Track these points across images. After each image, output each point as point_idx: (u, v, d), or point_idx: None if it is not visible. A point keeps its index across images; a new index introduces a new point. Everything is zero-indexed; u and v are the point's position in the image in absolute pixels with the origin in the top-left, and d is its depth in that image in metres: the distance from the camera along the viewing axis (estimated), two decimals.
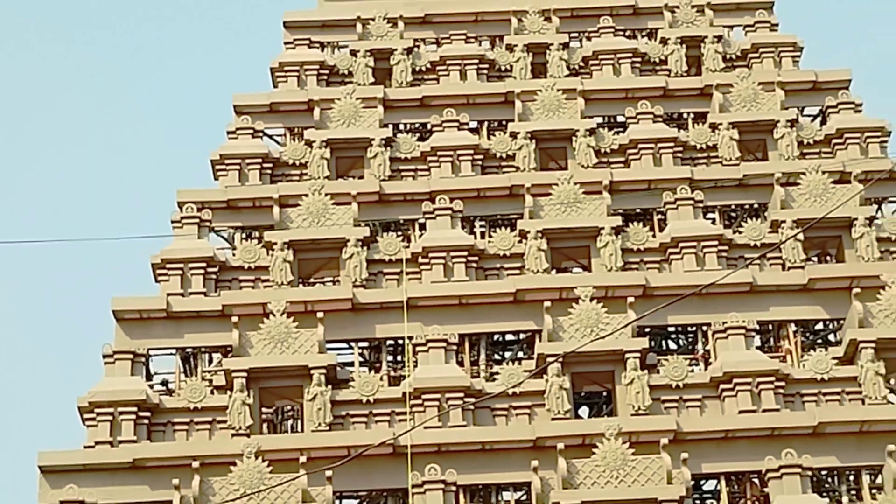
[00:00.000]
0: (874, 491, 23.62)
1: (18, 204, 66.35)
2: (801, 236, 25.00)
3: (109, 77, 73.78)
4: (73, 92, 73.64)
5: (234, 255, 26.32)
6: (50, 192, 66.82)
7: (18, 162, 73.30)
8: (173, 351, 25.74)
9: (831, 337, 26.65)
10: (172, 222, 26.47)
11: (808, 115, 29.02)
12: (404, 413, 23.87)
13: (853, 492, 24.67)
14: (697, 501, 25.83)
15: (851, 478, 24.40)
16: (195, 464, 22.65)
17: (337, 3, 30.09)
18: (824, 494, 24.22)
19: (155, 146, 71.28)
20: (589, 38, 29.97)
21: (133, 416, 23.94)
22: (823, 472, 24.46)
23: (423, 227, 26.65)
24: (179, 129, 70.57)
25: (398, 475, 22.98)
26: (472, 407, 23.74)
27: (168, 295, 25.14)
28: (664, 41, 29.73)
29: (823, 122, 28.44)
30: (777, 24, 30.17)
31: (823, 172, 26.31)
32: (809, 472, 22.97)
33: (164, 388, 26.26)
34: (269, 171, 27.74)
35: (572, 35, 30.41)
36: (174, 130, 70.57)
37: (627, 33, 30.38)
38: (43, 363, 67.35)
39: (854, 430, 23.49)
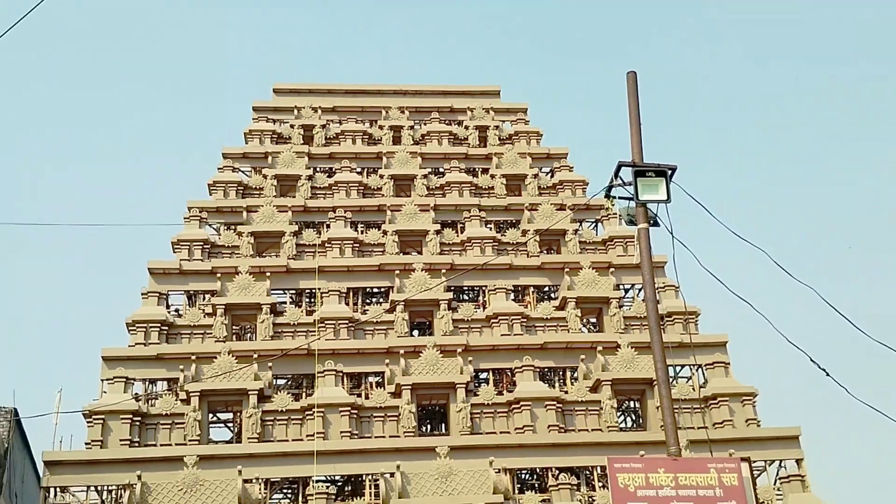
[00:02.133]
0: None
1: None
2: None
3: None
4: None
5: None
6: None
7: None
8: None
9: None
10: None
11: (546, 171, 36.14)
12: None
13: None
14: None
15: None
16: None
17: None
18: None
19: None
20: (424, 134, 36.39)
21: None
22: None
23: None
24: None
25: None
26: None
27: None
28: (467, 127, 37.13)
29: (552, 175, 35.82)
30: (528, 121, 37.93)
31: (552, 205, 32.95)
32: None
33: None
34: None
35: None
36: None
37: (448, 122, 37.38)
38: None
39: None
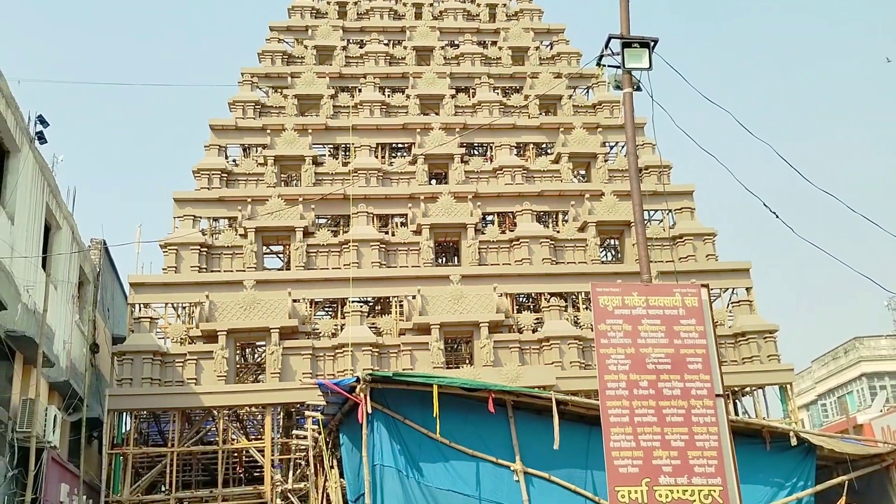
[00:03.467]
0: None
1: None
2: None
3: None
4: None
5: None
6: None
7: None
8: None
9: None
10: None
11: (546, 44, 35.48)
12: None
13: None
14: None
15: None
16: None
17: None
18: None
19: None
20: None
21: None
22: None
23: None
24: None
25: None
26: None
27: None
28: (479, 4, 35.97)
29: (551, 48, 35.28)
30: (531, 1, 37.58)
31: (551, 73, 32.81)
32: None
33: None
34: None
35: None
36: None
37: (463, 0, 36.50)
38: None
39: None
